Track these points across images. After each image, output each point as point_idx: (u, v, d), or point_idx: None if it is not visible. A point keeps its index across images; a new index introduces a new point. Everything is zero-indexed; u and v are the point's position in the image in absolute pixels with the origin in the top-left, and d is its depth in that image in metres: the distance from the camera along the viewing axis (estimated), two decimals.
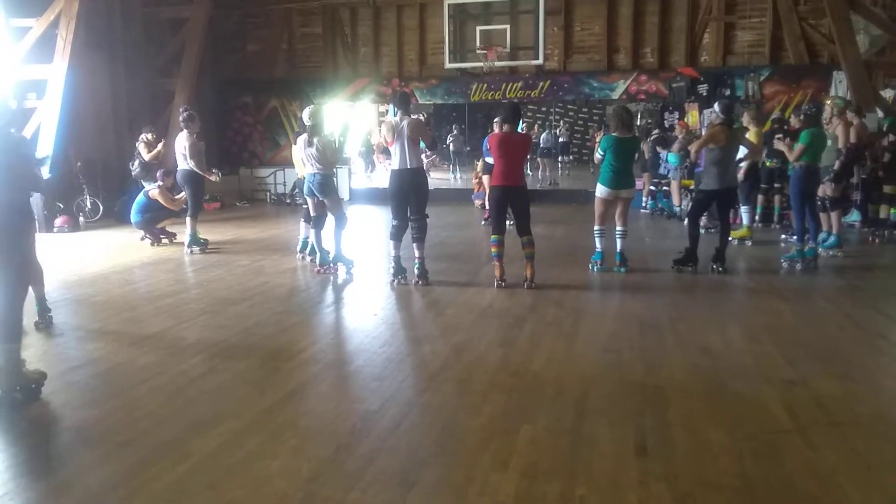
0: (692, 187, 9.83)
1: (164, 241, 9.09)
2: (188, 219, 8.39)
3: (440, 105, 16.94)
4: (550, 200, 13.71)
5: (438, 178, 17.25)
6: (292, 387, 3.96)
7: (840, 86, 12.11)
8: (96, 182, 11.60)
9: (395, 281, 6.53)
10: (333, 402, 3.75)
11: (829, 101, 8.68)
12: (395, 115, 6.64)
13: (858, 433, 3.26)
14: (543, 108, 22.93)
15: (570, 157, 19.94)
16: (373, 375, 4.09)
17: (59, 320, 5.27)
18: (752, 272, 7.14)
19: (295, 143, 7.44)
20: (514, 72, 14.14)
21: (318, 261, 7.12)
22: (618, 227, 6.95)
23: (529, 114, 22.61)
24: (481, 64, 13.28)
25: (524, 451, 3.07)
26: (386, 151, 11.72)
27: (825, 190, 7.77)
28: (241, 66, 15.39)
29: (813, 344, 4.66)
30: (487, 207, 8.71)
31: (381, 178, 16.30)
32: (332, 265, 7.05)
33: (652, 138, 11.90)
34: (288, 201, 14.18)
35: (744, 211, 8.80)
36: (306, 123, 6.83)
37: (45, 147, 10.09)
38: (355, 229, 9.06)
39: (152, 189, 8.97)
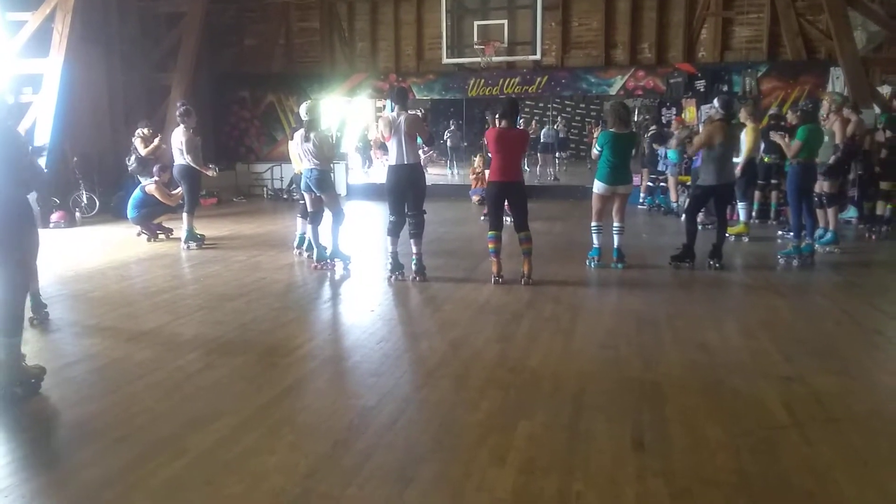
0: (689, 183, 9.84)
1: (161, 236, 9.07)
2: (185, 214, 8.37)
3: (437, 100, 16.96)
4: (548, 196, 13.70)
5: (436, 174, 17.21)
6: (289, 383, 3.96)
7: (837, 82, 12.12)
8: (92, 177, 11.57)
9: (393, 277, 6.52)
10: (330, 398, 3.75)
11: (826, 97, 8.68)
12: (392, 111, 6.62)
13: (855, 429, 3.27)
14: (541, 104, 22.92)
15: (567, 153, 19.92)
16: (370, 371, 4.09)
17: (55, 316, 5.25)
18: (748, 268, 7.15)
19: (292, 139, 7.43)
20: (511, 67, 14.11)
21: (315, 257, 7.11)
22: (615, 224, 6.95)
23: (527, 109, 22.60)
24: (479, 59, 13.25)
25: (522, 447, 3.07)
26: (383, 147, 11.72)
27: (822, 186, 7.78)
28: (237, 61, 15.33)
29: (810, 340, 4.67)
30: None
31: (379, 173, 16.28)
32: (329, 261, 7.04)
33: (649, 135, 11.90)
34: (285, 197, 14.16)
35: (741, 207, 8.81)
36: (303, 119, 6.82)
37: (42, 140, 10.04)
38: (352, 225, 9.04)
39: (149, 184, 8.94)
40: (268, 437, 3.19)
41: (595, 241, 7.04)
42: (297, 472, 2.87)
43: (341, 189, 13.42)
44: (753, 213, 9.48)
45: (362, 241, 8.83)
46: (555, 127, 18.85)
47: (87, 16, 11.27)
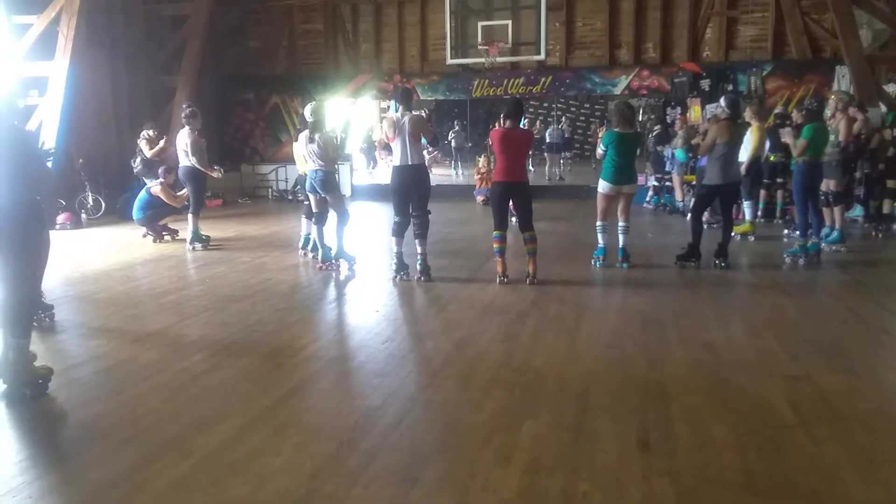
0: (694, 182, 9.81)
1: (167, 237, 9.10)
2: (190, 215, 8.40)
3: (442, 101, 16.92)
4: (552, 196, 13.68)
5: (440, 175, 17.23)
6: (294, 383, 3.96)
7: (843, 81, 12.08)
8: (98, 179, 11.60)
9: (398, 277, 6.52)
10: (336, 398, 3.75)
11: (833, 96, 8.64)
12: (396, 112, 6.64)
13: (861, 428, 3.25)
14: (545, 104, 22.88)
15: (572, 153, 19.88)
16: (375, 372, 4.09)
17: (61, 317, 5.28)
18: (754, 267, 7.13)
19: (296, 140, 7.43)
20: (515, 67, 14.11)
21: (320, 257, 7.12)
22: (620, 223, 6.94)
23: (531, 109, 22.58)
24: (483, 60, 13.27)
25: (527, 447, 3.07)
26: (387, 148, 11.73)
27: (829, 185, 7.75)
28: (242, 63, 15.37)
29: (816, 339, 4.65)
30: None
31: (383, 174, 16.29)
32: (334, 262, 7.05)
33: (653, 135, 11.87)
34: (290, 198, 14.17)
35: (746, 206, 8.78)
36: (308, 120, 6.82)
37: (49, 141, 10.09)
38: (357, 226, 9.05)
39: (154, 186, 8.97)
40: (273, 438, 3.20)
41: (600, 240, 7.03)
42: (302, 472, 2.87)
43: (346, 190, 13.43)
44: (759, 212, 9.44)
45: (367, 241, 8.84)
46: (560, 127, 18.82)
47: (92, 19, 11.34)
